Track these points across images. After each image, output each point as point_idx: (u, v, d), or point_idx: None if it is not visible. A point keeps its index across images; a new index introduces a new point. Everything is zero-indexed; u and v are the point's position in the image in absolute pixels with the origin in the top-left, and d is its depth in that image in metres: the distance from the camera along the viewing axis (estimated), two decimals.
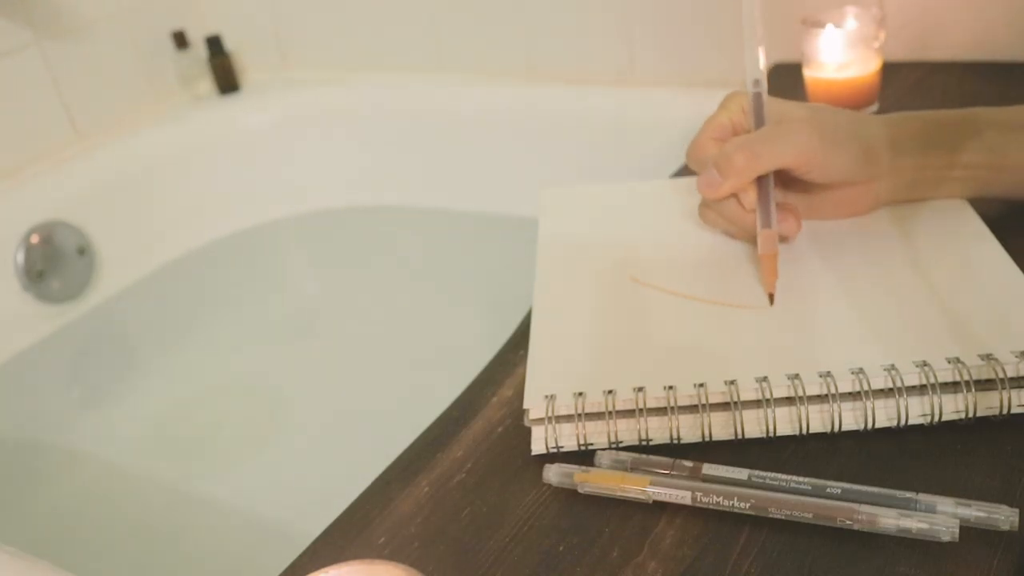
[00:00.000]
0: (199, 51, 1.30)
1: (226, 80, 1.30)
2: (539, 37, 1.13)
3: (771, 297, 0.51)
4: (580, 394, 0.45)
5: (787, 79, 0.91)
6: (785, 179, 0.54)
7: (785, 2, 0.95)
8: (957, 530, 0.37)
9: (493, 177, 1.20)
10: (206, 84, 1.31)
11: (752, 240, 0.54)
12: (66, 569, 0.49)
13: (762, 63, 0.54)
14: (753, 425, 0.44)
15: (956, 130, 0.55)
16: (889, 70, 0.84)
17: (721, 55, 1.01)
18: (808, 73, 0.82)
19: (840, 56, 0.79)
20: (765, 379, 0.44)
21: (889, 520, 0.38)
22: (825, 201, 0.56)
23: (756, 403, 0.44)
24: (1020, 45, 0.86)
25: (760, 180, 0.53)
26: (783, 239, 0.55)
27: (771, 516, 0.40)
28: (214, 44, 1.28)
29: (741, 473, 0.42)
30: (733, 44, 0.99)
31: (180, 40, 1.27)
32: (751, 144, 0.52)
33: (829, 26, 0.79)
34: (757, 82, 0.54)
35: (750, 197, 0.53)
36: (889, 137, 0.54)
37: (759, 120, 0.53)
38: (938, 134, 0.55)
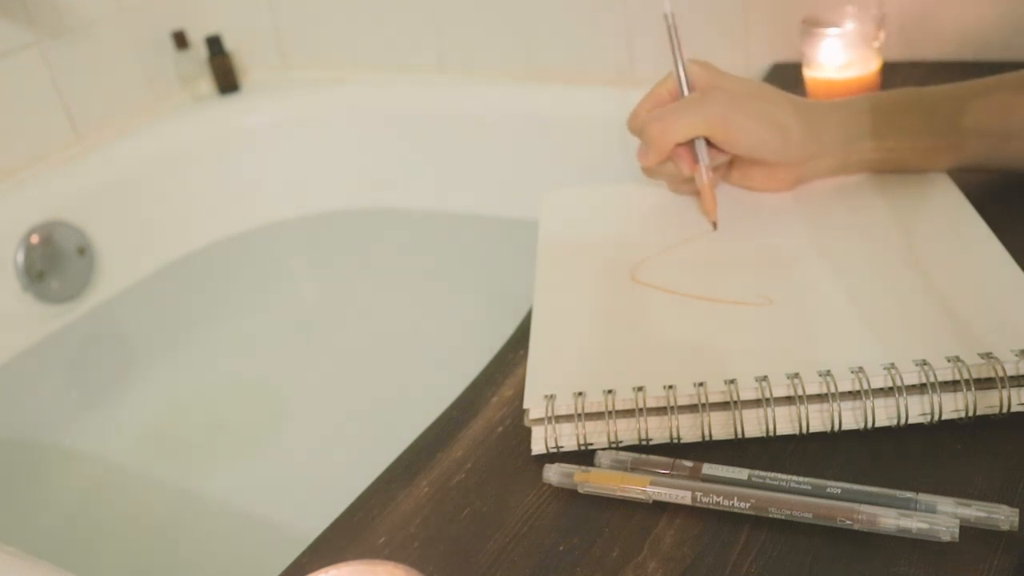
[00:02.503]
0: (199, 51, 1.30)
1: (226, 80, 1.30)
2: (539, 37, 1.13)
3: (715, 224, 0.58)
4: (580, 394, 0.45)
5: (787, 79, 0.91)
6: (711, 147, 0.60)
7: (785, 2, 0.95)
8: (957, 530, 0.37)
9: (493, 178, 1.20)
10: (206, 84, 1.31)
11: (691, 191, 0.62)
12: (66, 569, 0.49)
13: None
14: (753, 425, 0.44)
15: (875, 117, 0.58)
16: (889, 70, 0.84)
17: (720, 56, 1.01)
18: (808, 73, 0.82)
19: (840, 56, 0.79)
20: (765, 378, 0.44)
21: (889, 520, 0.38)
22: (752, 172, 0.60)
23: (756, 402, 0.44)
24: (1020, 45, 0.86)
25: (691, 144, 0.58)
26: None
27: (771, 516, 0.40)
28: (214, 44, 1.28)
29: (741, 473, 0.42)
30: (733, 45, 1.00)
31: (180, 40, 1.27)
32: (663, 117, 0.56)
33: (829, 26, 0.79)
34: (667, 16, 0.59)
35: (684, 165, 0.58)
36: (808, 127, 0.57)
37: (682, 88, 0.58)
38: (859, 123, 0.58)
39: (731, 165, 0.61)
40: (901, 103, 0.59)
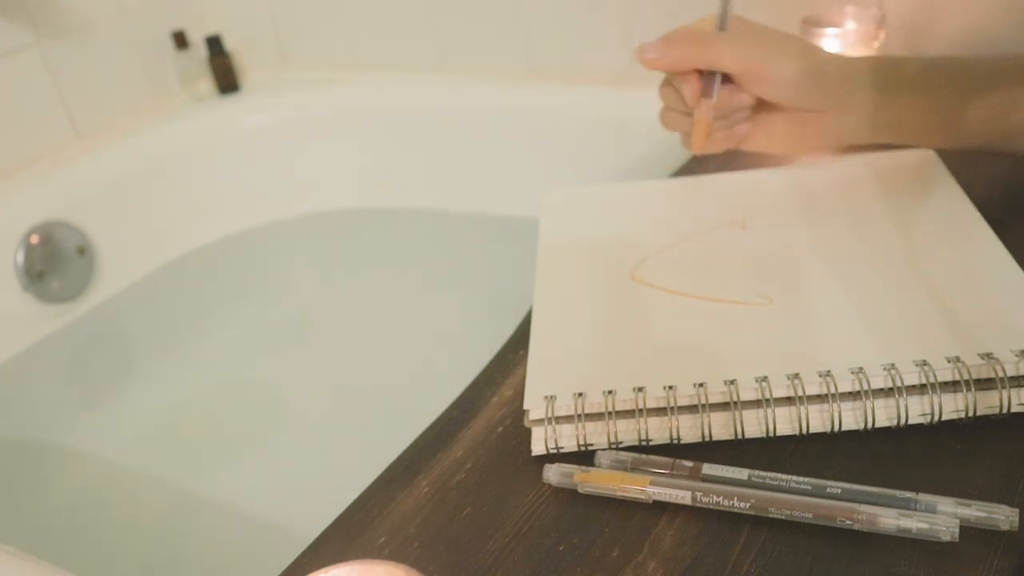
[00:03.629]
0: (199, 51, 1.30)
1: (226, 80, 1.30)
2: (539, 37, 1.13)
3: (695, 156, 0.57)
4: (580, 394, 0.45)
5: None
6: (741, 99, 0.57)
7: (785, 2, 0.95)
8: (957, 530, 0.37)
9: (493, 177, 1.20)
10: (206, 84, 1.31)
11: (678, 129, 0.60)
12: (66, 569, 0.49)
13: None
14: (753, 425, 0.44)
15: (924, 74, 0.56)
16: None
17: None
18: None
19: None
20: (765, 379, 0.44)
21: (889, 520, 0.38)
22: (783, 130, 0.58)
23: (756, 403, 0.44)
24: (1020, 44, 0.85)
25: (706, 75, 0.56)
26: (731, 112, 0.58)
27: (771, 516, 0.40)
28: (214, 44, 1.28)
29: (741, 473, 0.42)
30: None
31: (180, 40, 1.27)
32: (705, 36, 0.55)
33: (829, 26, 0.79)
34: None
35: (690, 90, 0.56)
36: (846, 68, 0.56)
37: (721, 22, 0.56)
38: (901, 75, 0.56)
39: (755, 123, 0.59)
40: (945, 61, 0.57)
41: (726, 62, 0.55)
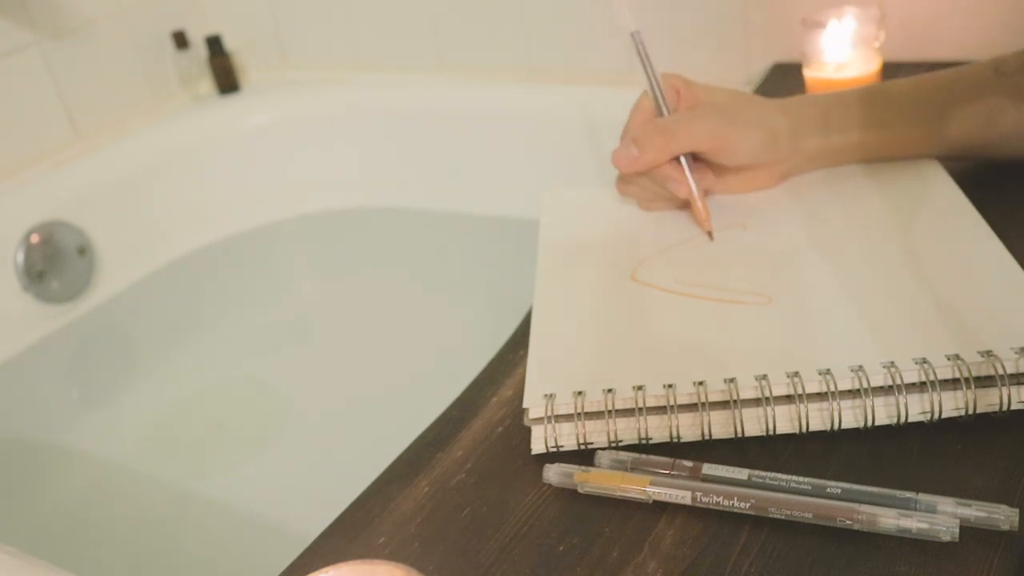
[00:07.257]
0: (199, 51, 1.30)
1: (226, 80, 1.30)
2: (539, 37, 1.13)
3: (710, 234, 0.58)
4: (580, 393, 0.45)
5: (787, 79, 0.91)
6: (696, 161, 0.60)
7: (785, 2, 0.95)
8: (957, 530, 0.37)
9: (493, 178, 1.20)
10: (206, 84, 1.31)
11: (663, 207, 0.62)
12: (66, 569, 0.49)
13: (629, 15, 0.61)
14: (753, 423, 0.44)
15: (850, 111, 0.60)
16: (889, 70, 0.84)
17: (720, 56, 1.01)
18: (808, 73, 0.82)
19: (840, 56, 0.79)
20: (764, 377, 0.44)
21: (889, 520, 0.38)
22: (734, 179, 0.61)
23: (755, 401, 0.44)
24: (1018, 44, 0.85)
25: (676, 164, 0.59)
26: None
27: (771, 516, 0.40)
28: (214, 44, 1.28)
29: (741, 473, 0.42)
30: (733, 45, 1.00)
31: (180, 40, 1.27)
32: (667, 128, 0.57)
33: (829, 26, 0.79)
34: (633, 35, 0.61)
35: (663, 173, 0.58)
36: (791, 124, 0.59)
37: (660, 109, 0.59)
38: (834, 118, 0.60)
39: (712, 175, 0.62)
40: (898, 89, 0.61)
41: (696, 145, 0.58)
